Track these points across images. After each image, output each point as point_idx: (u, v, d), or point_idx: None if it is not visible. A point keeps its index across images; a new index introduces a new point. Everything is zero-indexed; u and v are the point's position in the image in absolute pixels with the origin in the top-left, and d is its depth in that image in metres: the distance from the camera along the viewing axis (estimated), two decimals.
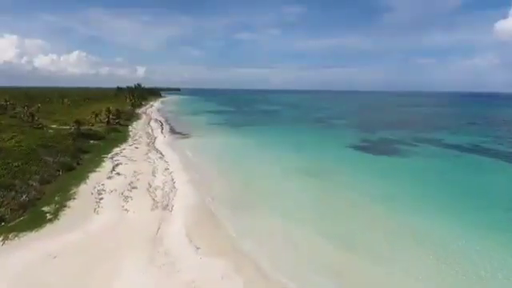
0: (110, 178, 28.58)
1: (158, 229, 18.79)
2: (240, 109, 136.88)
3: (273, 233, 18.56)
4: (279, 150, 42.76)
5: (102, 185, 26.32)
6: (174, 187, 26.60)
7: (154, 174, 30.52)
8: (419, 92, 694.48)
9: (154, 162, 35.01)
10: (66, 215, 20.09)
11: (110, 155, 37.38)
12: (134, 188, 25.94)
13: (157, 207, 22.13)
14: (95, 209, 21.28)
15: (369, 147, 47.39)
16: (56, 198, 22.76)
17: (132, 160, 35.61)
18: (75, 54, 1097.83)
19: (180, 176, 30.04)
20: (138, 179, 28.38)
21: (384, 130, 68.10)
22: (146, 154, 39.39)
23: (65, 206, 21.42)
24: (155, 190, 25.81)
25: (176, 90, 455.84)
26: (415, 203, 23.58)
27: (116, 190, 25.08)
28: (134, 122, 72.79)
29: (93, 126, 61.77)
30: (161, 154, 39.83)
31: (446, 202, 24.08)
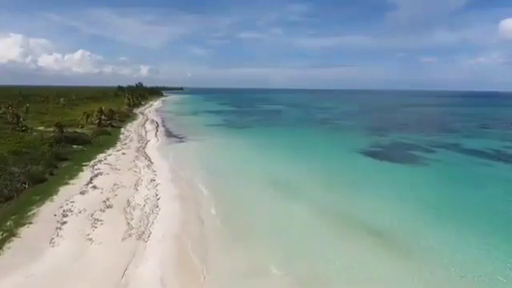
0: (83, 192, 24.34)
1: (125, 270, 14.52)
2: (241, 108, 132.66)
3: (271, 282, 14.20)
4: (283, 158, 38.39)
5: (72, 203, 22.09)
6: (157, 206, 22.33)
7: (136, 187, 26.27)
8: (423, 91, 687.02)
9: (140, 172, 30.78)
10: (11, 249, 15.86)
11: (91, 163, 33.18)
12: (108, 207, 21.69)
13: (130, 235, 17.85)
14: (52, 239, 17.03)
15: (381, 153, 42.92)
16: (8, 223, 18.54)
17: (115, 169, 31.40)
18: (79, 53, 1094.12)
19: (167, 190, 25.78)
20: (115, 195, 24.13)
21: (394, 132, 63.58)
22: (133, 161, 35.17)
23: (15, 235, 17.19)
24: (133, 209, 21.54)
25: (179, 89, 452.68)
26: (450, 236, 19.00)
27: (86, 211, 20.84)
28: (129, 124, 68.73)
29: (82, 127, 57.88)
30: (150, 161, 35.61)
31: (487, 231, 19.62)
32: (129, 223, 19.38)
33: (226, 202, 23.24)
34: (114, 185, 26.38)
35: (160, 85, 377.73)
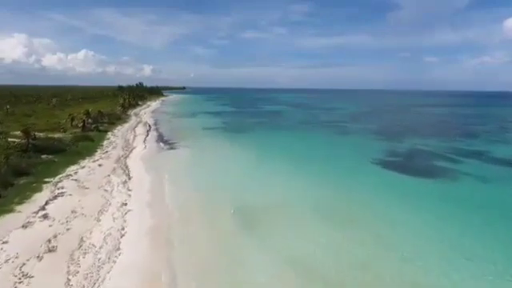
0: (27, 225, 18.71)
1: None
2: (242, 109, 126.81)
3: None
4: (285, 171, 32.68)
5: (3, 244, 16.45)
6: (118, 248, 16.63)
7: (100, 215, 20.61)
8: (427, 91, 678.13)
9: (112, 192, 25.12)
10: None
11: (56, 178, 27.57)
12: (50, 251, 16.04)
13: None
14: None
15: (400, 164, 37.05)
16: None
17: (82, 188, 25.76)
18: (82, 52, 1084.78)
19: (138, 220, 20.10)
20: (68, 229, 18.49)
21: (409, 136, 57.65)
22: (108, 175, 29.53)
23: None
24: (84, 254, 15.88)
25: (181, 89, 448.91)
26: None
27: (17, 257, 15.21)
28: (118, 127, 63.12)
29: (65, 132, 52.44)
30: (128, 175, 29.96)
31: None
32: (69, 281, 13.70)
33: (209, 245, 17.45)
34: (72, 212, 20.75)
35: (163, 84, 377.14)
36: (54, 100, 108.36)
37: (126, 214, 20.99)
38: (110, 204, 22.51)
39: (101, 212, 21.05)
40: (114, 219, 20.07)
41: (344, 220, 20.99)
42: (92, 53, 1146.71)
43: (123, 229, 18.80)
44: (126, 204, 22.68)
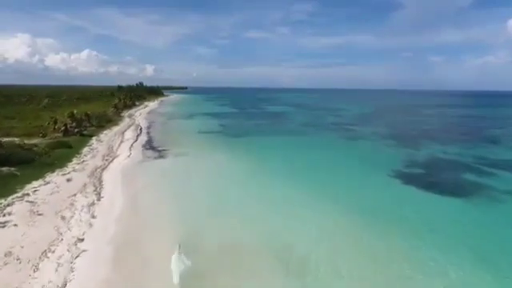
0: None
1: None
2: (243, 110, 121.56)
3: None
4: (289, 189, 27.44)
5: None
6: None
7: (41, 259, 15.43)
8: (430, 90, 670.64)
9: (70, 220, 19.96)
10: None
11: (9, 199, 22.48)
12: None
13: None
14: None
15: (421, 178, 31.63)
16: None
17: (35, 213, 20.61)
18: (85, 52, 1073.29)
19: (89, 269, 14.93)
20: None
21: (424, 141, 52.24)
22: (74, 194, 24.39)
23: None
24: None
25: (183, 89, 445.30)
26: None
27: None
28: (106, 130, 58.03)
29: (44, 137, 47.50)
30: (99, 194, 24.84)
31: None
32: None
33: None
34: (6, 255, 15.59)
35: (165, 84, 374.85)
36: (45, 101, 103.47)
37: (77, 257, 15.81)
38: (61, 240, 17.36)
39: (45, 254, 15.88)
40: (58, 266, 14.90)
41: (352, 275, 15.66)
42: (95, 53, 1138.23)
43: (65, 285, 13.61)
44: (82, 240, 17.52)
